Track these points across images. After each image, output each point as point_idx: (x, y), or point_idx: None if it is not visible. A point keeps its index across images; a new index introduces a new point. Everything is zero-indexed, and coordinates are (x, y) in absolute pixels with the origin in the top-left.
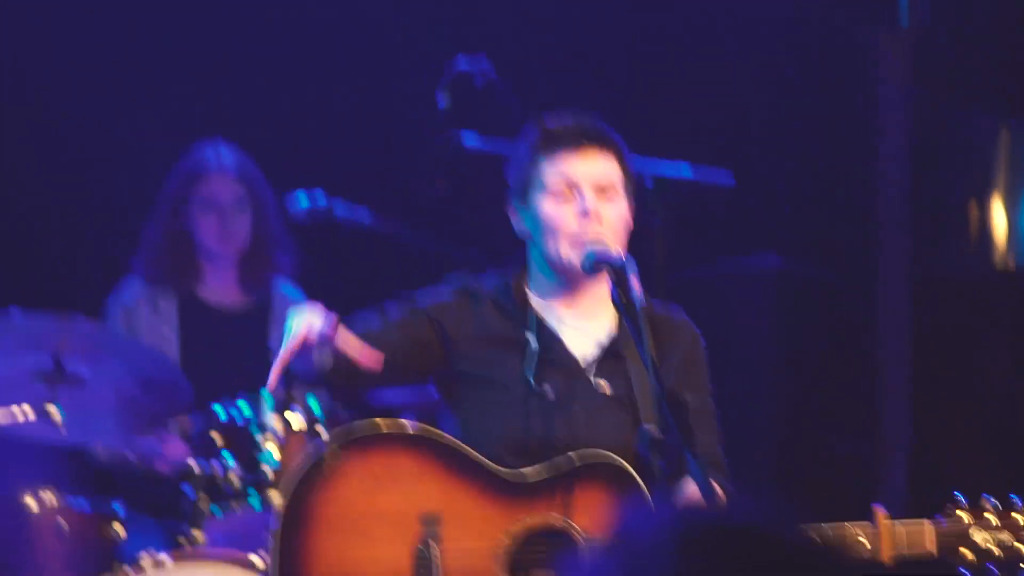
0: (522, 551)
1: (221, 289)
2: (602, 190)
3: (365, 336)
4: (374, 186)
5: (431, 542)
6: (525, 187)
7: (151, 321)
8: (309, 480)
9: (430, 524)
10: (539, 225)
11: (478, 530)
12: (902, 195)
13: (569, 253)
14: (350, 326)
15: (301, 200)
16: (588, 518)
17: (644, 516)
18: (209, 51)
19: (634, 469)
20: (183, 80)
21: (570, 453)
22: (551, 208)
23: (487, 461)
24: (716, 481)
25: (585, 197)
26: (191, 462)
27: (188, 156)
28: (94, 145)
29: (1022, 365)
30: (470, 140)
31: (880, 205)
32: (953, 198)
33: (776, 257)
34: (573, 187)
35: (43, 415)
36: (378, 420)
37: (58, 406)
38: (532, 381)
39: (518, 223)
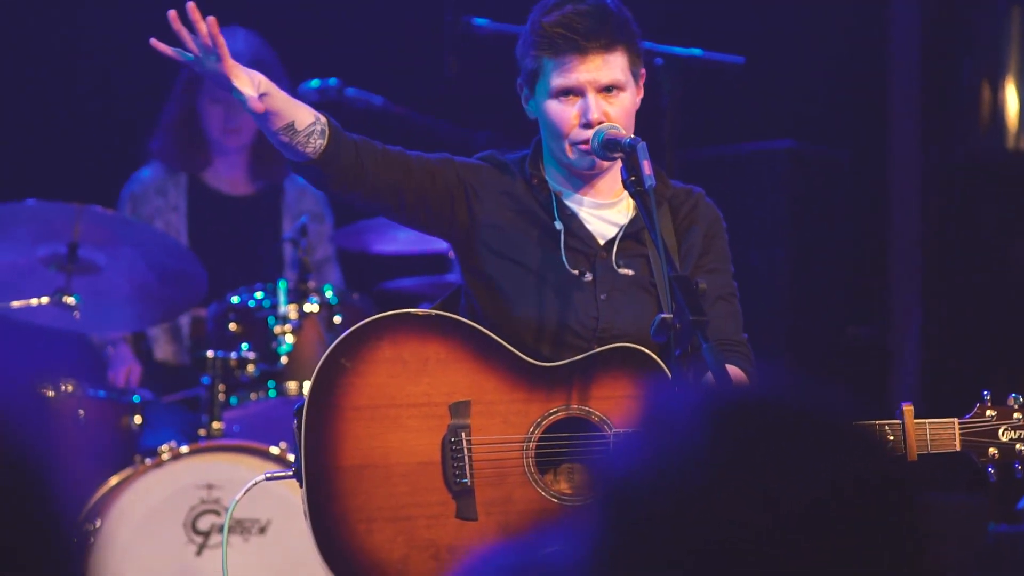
0: (549, 444)
1: (230, 177)
2: (607, 89)
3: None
4: (386, 72)
5: (462, 433)
6: (532, 79)
7: (159, 207)
8: (336, 366)
9: (460, 414)
10: (545, 124)
11: (506, 419)
12: (913, 77)
13: (573, 156)
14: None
15: (312, 83)
16: (612, 405)
17: (673, 395)
18: None
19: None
20: None
21: (593, 339)
22: (555, 111)
23: (512, 348)
24: (740, 367)
25: (590, 107)
26: (209, 353)
27: None
28: (108, 35)
29: None
30: (479, 22)
31: (891, 87)
32: (964, 80)
33: (788, 139)
34: (578, 92)
35: (59, 303)
36: (409, 310)
37: (75, 295)
38: (566, 262)
39: (529, 109)
